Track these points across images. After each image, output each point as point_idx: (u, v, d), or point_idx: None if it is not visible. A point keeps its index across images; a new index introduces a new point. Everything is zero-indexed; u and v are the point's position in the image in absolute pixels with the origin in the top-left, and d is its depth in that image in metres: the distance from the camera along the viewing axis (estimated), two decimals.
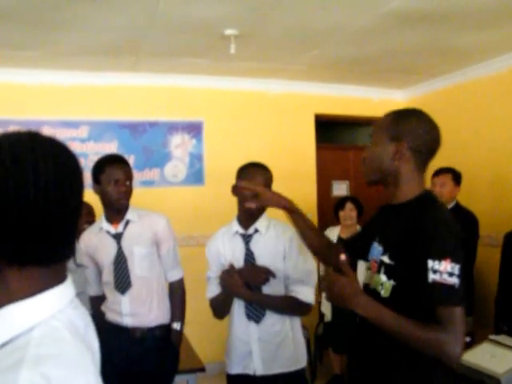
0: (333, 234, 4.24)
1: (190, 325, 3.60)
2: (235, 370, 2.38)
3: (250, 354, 2.32)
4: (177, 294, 2.77)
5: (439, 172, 3.82)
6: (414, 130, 1.61)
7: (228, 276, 2.29)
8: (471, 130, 4.65)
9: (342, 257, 1.58)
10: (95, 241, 2.65)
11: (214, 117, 4.95)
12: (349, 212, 4.28)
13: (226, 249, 2.39)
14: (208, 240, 2.53)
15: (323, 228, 4.39)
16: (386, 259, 1.60)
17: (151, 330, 2.63)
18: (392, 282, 1.57)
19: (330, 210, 4.57)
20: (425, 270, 1.44)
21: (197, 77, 4.80)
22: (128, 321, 2.61)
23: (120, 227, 2.63)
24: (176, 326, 2.71)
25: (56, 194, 0.77)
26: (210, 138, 4.93)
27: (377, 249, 1.69)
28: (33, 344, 0.72)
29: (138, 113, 4.75)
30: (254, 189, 2.03)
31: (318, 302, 4.30)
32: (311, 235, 2.02)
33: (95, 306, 2.73)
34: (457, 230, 1.56)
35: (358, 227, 4.13)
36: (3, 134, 0.81)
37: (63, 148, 0.84)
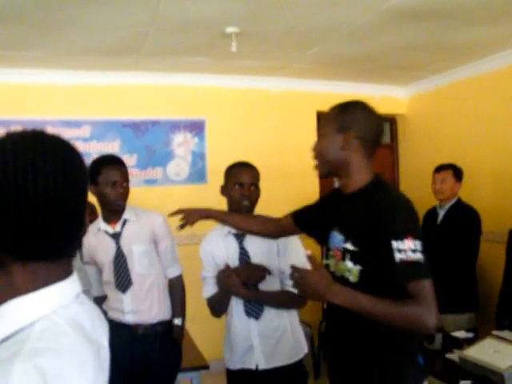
0: None
1: (192, 322, 3.62)
2: (236, 365, 2.43)
3: (250, 349, 2.38)
4: (176, 290, 2.80)
5: (440, 168, 3.83)
6: (360, 119, 1.70)
7: (225, 276, 2.34)
8: (472, 126, 4.64)
9: (308, 252, 1.66)
10: (94, 241, 2.66)
11: (216, 115, 4.96)
12: None
13: (221, 249, 2.43)
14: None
15: None
16: (349, 246, 1.66)
17: (153, 326, 2.66)
18: (359, 267, 1.63)
19: None
20: (390, 250, 1.51)
21: (198, 75, 4.81)
22: (130, 318, 2.63)
23: (118, 227, 2.66)
24: (177, 321, 2.75)
25: (57, 191, 0.78)
26: (212, 136, 4.94)
27: (337, 237, 1.74)
28: (32, 338, 0.73)
29: (140, 112, 4.76)
30: (180, 212, 2.24)
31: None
32: (248, 224, 2.16)
33: (99, 306, 2.75)
34: (411, 207, 1.63)
35: None
36: (9, 132, 0.82)
37: (67, 146, 0.85)
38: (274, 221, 2.19)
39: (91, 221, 3.12)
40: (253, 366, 2.38)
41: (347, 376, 1.75)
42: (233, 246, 2.40)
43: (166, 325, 2.72)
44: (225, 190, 2.45)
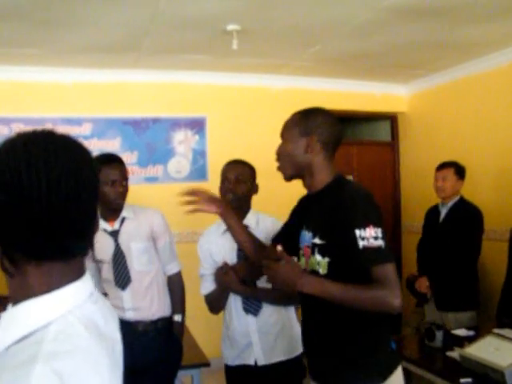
0: None
1: (193, 320, 3.62)
2: (235, 361, 2.47)
3: (249, 345, 2.41)
4: (176, 286, 2.82)
5: (442, 166, 3.81)
6: (322, 124, 1.82)
7: (223, 273, 2.37)
8: (473, 124, 4.64)
9: (279, 247, 1.77)
10: None
11: (216, 113, 4.95)
12: None
13: (218, 246, 2.46)
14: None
15: None
16: (317, 241, 1.78)
17: (153, 323, 2.67)
18: (327, 259, 1.74)
19: None
20: (354, 239, 1.62)
21: (199, 73, 4.80)
22: (130, 315, 2.64)
23: (116, 224, 2.67)
24: (177, 318, 2.77)
25: (69, 190, 0.78)
26: (212, 133, 4.94)
27: (306, 235, 1.85)
28: (47, 340, 0.73)
29: (141, 109, 4.76)
30: (199, 195, 2.13)
31: None
32: (246, 244, 2.13)
33: None
34: (371, 198, 1.74)
35: None
36: (19, 133, 0.82)
37: (77, 145, 0.85)
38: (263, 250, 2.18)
39: None
40: (252, 362, 2.41)
41: (322, 362, 1.84)
42: (230, 243, 2.40)
43: (166, 321, 2.73)
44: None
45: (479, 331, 3.18)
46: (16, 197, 0.75)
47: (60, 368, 0.70)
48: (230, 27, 3.53)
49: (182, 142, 4.87)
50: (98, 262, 2.70)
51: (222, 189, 2.43)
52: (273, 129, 5.51)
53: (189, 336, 3.35)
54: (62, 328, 0.76)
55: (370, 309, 1.64)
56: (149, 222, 2.71)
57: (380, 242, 1.62)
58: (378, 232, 1.63)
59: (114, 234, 2.65)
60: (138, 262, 2.65)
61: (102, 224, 2.66)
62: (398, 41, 3.95)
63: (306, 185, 1.89)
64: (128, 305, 2.64)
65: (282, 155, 1.89)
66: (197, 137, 4.91)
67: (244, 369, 2.44)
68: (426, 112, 5.34)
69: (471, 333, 3.14)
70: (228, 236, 2.42)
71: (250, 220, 2.45)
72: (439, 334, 2.92)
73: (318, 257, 1.76)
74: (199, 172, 4.90)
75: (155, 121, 4.79)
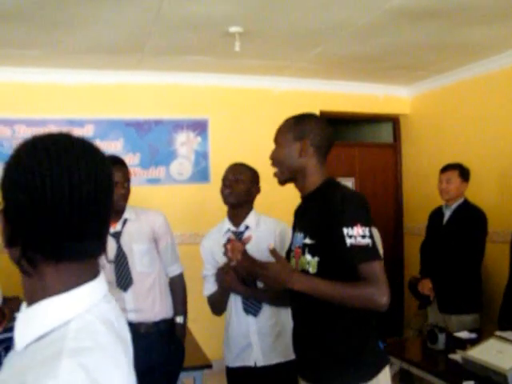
0: None
1: (195, 322, 3.62)
2: (235, 362, 2.48)
3: (249, 346, 2.43)
4: (178, 288, 2.82)
5: (446, 168, 3.80)
6: (314, 129, 1.88)
7: (223, 273, 2.39)
8: (476, 126, 4.63)
9: (271, 246, 1.86)
10: None
11: (218, 114, 4.96)
12: None
13: (220, 247, 2.45)
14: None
15: None
16: (307, 241, 1.83)
17: (155, 324, 2.67)
18: (317, 259, 1.79)
19: None
20: (342, 237, 1.67)
21: (202, 74, 4.81)
22: (132, 316, 2.63)
23: (118, 226, 2.67)
24: (179, 319, 2.77)
25: (89, 192, 0.81)
26: (215, 135, 4.94)
27: (298, 236, 1.91)
28: (69, 337, 0.75)
29: (143, 111, 4.76)
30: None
31: None
32: None
33: None
34: (360, 199, 1.80)
35: None
36: (36, 136, 0.84)
37: (94, 148, 0.88)
38: None
39: None
40: (251, 363, 2.43)
41: (311, 361, 1.86)
42: None
43: (169, 323, 2.73)
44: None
45: (482, 334, 3.17)
46: (39, 199, 0.77)
47: (85, 363, 0.72)
48: (233, 29, 3.53)
49: (185, 143, 4.87)
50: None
51: (222, 188, 2.47)
52: (275, 130, 5.51)
53: (191, 338, 3.35)
54: (81, 326, 0.78)
55: (357, 306, 1.68)
56: (150, 224, 2.72)
57: (367, 241, 1.67)
58: (366, 231, 1.68)
59: (116, 236, 2.66)
60: (139, 263, 2.66)
61: None
62: (401, 42, 3.95)
63: (298, 187, 1.95)
64: (130, 306, 2.64)
65: (276, 160, 1.94)
66: (199, 138, 4.91)
67: (244, 370, 2.45)
68: (429, 114, 5.33)
69: (474, 335, 3.14)
70: (230, 236, 2.45)
71: (250, 221, 2.48)
72: (441, 337, 2.92)
73: (308, 256, 1.81)
74: (201, 174, 4.90)
75: (157, 122, 4.80)
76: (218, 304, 2.53)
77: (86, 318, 0.80)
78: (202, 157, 4.91)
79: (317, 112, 5.22)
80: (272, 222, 2.51)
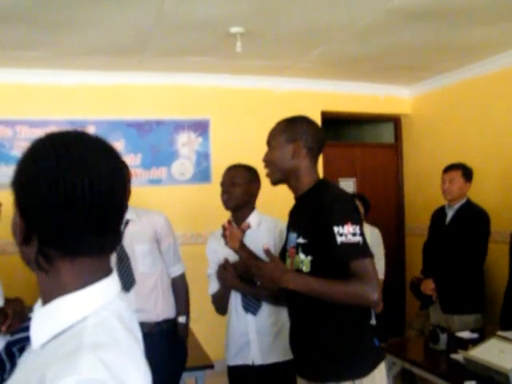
0: None
1: (198, 322, 3.62)
2: (234, 361, 2.51)
3: (248, 344, 2.45)
4: (180, 288, 2.83)
5: (449, 168, 3.79)
6: (306, 131, 1.93)
7: (223, 270, 2.44)
8: (477, 126, 4.63)
9: (265, 246, 1.92)
10: None
11: (220, 115, 4.96)
12: None
13: (222, 245, 2.47)
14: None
15: None
16: (300, 240, 1.87)
17: (158, 324, 2.67)
18: (310, 258, 1.82)
19: None
20: (333, 235, 1.71)
21: (203, 75, 4.81)
22: None
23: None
24: (181, 319, 2.77)
25: (107, 189, 0.82)
26: (216, 136, 4.94)
27: (292, 236, 1.95)
28: (87, 333, 0.76)
29: (145, 112, 4.77)
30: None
31: None
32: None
33: None
34: (349, 199, 1.88)
35: (365, 224, 4.12)
36: (51, 133, 0.85)
37: (110, 146, 0.89)
38: None
39: None
40: (250, 362, 2.45)
41: (306, 358, 1.90)
42: None
43: (171, 323, 2.73)
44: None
45: (484, 334, 3.17)
46: (59, 196, 0.78)
47: (105, 358, 0.72)
48: (234, 30, 3.54)
49: (186, 144, 4.88)
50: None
51: (221, 193, 2.53)
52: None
53: (193, 338, 3.35)
54: (98, 322, 0.79)
55: (349, 303, 1.72)
56: (152, 224, 2.72)
57: (358, 238, 1.71)
58: (356, 229, 1.72)
59: None
60: (142, 264, 2.66)
61: None
62: (402, 43, 3.95)
63: (291, 188, 1.99)
64: (132, 306, 2.64)
65: (269, 162, 1.98)
66: (200, 139, 4.92)
67: (242, 369, 2.48)
68: (430, 114, 5.33)
69: (475, 335, 3.14)
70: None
71: (252, 220, 2.50)
72: (443, 337, 2.92)
73: (302, 256, 1.85)
74: (203, 174, 4.90)
75: (159, 123, 4.80)
76: (220, 302, 2.56)
77: (103, 314, 0.81)
78: (203, 157, 4.91)
79: (318, 112, 5.23)
80: (272, 222, 2.54)
